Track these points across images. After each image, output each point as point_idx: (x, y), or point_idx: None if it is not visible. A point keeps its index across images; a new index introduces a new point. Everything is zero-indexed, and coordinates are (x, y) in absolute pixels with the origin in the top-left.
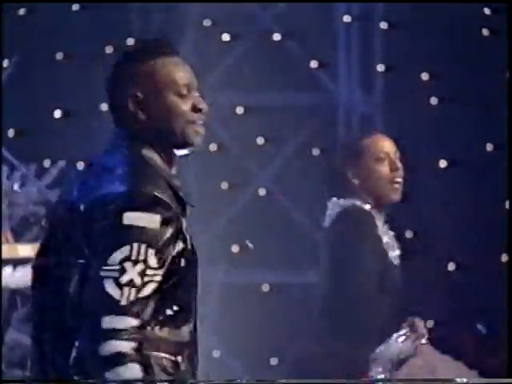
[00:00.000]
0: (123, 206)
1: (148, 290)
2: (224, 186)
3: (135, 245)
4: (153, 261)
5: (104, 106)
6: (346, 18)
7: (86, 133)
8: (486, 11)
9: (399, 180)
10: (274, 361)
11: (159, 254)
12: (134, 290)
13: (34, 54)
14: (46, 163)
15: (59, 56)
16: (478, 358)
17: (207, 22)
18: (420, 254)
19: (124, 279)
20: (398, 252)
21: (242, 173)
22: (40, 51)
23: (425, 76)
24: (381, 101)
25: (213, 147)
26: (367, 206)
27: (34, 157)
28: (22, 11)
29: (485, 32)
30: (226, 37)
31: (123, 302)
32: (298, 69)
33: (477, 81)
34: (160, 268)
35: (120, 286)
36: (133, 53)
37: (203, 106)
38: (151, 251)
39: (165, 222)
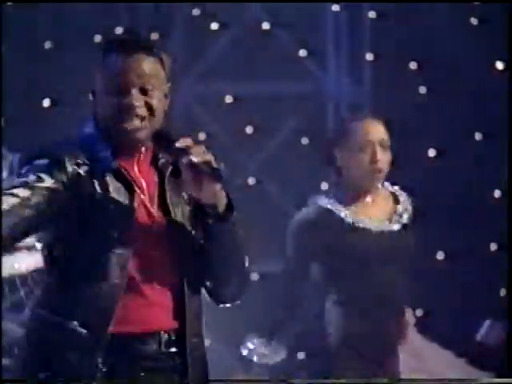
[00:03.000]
0: None
1: None
2: None
3: None
4: None
5: None
6: (335, 7)
7: (75, 122)
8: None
9: (379, 171)
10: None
11: None
12: None
13: (22, 43)
14: None
15: (48, 45)
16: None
17: (196, 11)
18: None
19: None
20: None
21: (231, 162)
22: (29, 40)
23: (413, 65)
24: (369, 89)
25: (201, 136)
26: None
27: (24, 146)
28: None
29: (473, 21)
30: (214, 26)
31: None
32: (287, 58)
33: (465, 70)
34: None
35: None
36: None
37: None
38: None
39: None
